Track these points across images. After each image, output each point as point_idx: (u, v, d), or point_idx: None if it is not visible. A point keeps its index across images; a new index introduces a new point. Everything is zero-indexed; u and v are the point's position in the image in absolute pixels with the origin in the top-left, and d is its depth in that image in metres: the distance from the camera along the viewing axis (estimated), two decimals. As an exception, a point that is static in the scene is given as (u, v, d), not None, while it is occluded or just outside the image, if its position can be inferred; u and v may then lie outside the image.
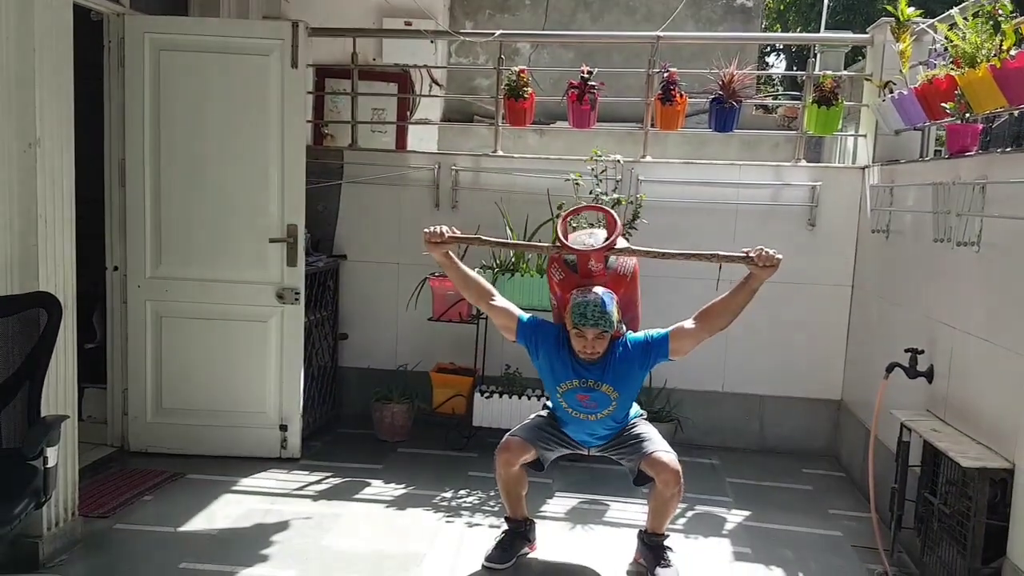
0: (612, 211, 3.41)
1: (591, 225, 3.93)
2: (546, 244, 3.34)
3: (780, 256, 3.08)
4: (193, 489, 4.01)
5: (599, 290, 3.15)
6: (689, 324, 3.20)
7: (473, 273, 3.36)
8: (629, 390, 3.26)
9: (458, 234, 3.26)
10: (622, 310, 3.24)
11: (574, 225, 3.74)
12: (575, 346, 3.18)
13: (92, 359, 4.42)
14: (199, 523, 3.67)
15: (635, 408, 3.44)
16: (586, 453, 3.47)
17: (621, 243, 3.32)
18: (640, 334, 3.28)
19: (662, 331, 3.23)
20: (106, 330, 4.45)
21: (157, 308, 4.36)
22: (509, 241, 3.68)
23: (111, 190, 4.35)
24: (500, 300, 3.34)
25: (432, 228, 3.23)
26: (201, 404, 4.41)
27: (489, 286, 3.37)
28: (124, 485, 4.01)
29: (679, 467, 3.18)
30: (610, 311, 3.11)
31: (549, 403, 3.48)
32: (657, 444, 3.25)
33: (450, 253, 3.27)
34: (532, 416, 3.51)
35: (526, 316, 3.33)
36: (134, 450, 4.42)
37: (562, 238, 3.27)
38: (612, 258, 3.28)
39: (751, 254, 3.07)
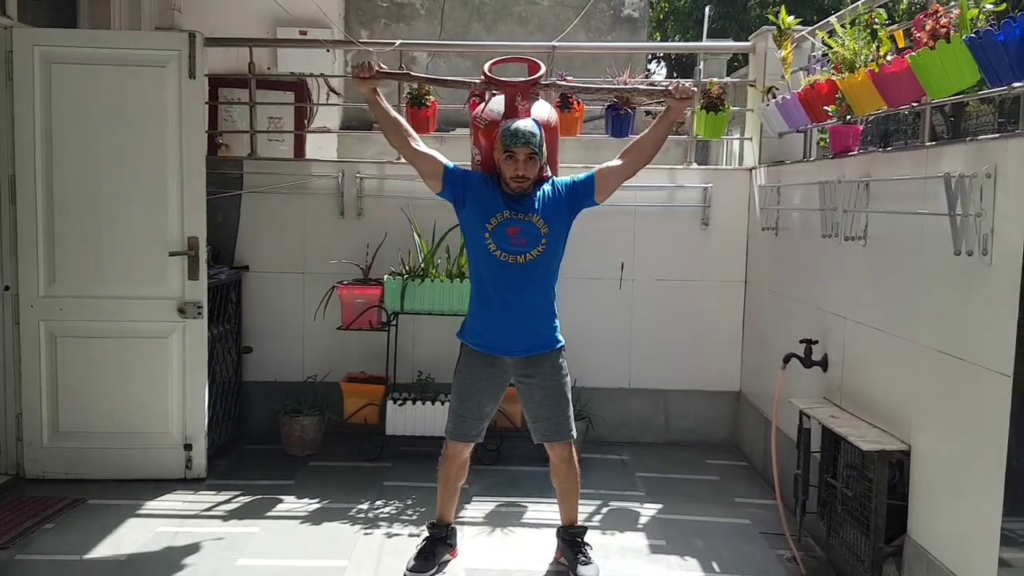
0: (535, 59, 3.48)
1: None
2: (475, 80, 3.39)
3: (695, 88, 3.26)
4: (96, 515, 3.85)
5: (527, 118, 3.22)
6: (614, 162, 3.31)
7: (400, 116, 3.34)
8: (557, 230, 3.24)
9: (386, 69, 3.28)
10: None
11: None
12: (506, 172, 3.16)
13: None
14: (105, 550, 3.52)
15: (557, 325, 3.33)
16: (509, 363, 3.29)
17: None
18: (566, 177, 3.34)
19: (588, 171, 3.33)
20: (-5, 353, 4.22)
21: (52, 328, 4.18)
22: (439, 77, 3.70)
23: (0, 207, 4.15)
24: (424, 146, 3.31)
25: (360, 61, 3.23)
26: (101, 426, 4.24)
27: (413, 131, 3.34)
28: (22, 514, 3.81)
29: (571, 440, 3.34)
30: (539, 133, 3.15)
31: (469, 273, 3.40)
32: (557, 434, 3.32)
33: (376, 90, 3.25)
34: (451, 397, 3.42)
35: (452, 163, 3.32)
36: (30, 477, 4.21)
37: (487, 73, 3.33)
38: (535, 109, 3.32)
39: (669, 87, 3.25)
